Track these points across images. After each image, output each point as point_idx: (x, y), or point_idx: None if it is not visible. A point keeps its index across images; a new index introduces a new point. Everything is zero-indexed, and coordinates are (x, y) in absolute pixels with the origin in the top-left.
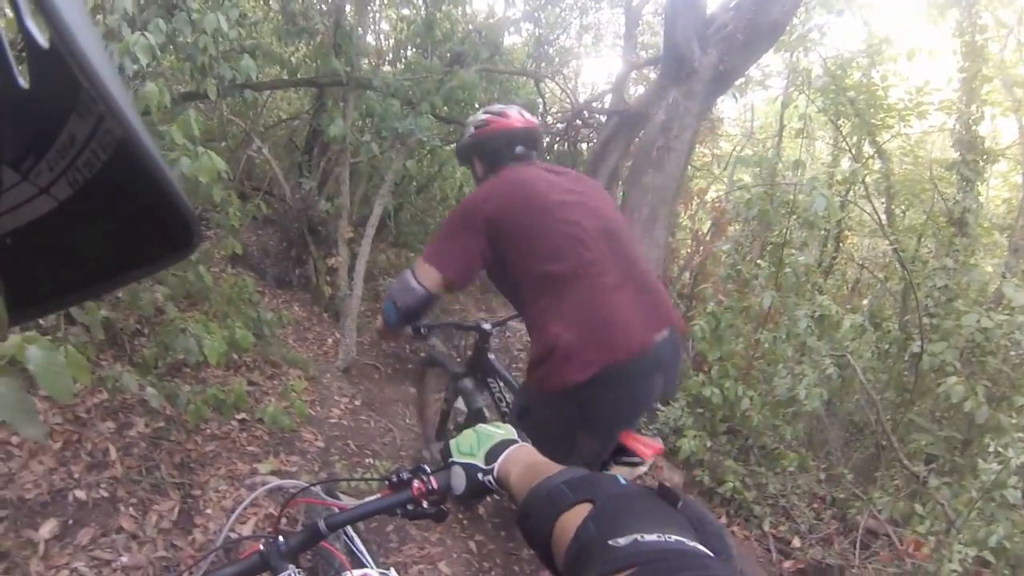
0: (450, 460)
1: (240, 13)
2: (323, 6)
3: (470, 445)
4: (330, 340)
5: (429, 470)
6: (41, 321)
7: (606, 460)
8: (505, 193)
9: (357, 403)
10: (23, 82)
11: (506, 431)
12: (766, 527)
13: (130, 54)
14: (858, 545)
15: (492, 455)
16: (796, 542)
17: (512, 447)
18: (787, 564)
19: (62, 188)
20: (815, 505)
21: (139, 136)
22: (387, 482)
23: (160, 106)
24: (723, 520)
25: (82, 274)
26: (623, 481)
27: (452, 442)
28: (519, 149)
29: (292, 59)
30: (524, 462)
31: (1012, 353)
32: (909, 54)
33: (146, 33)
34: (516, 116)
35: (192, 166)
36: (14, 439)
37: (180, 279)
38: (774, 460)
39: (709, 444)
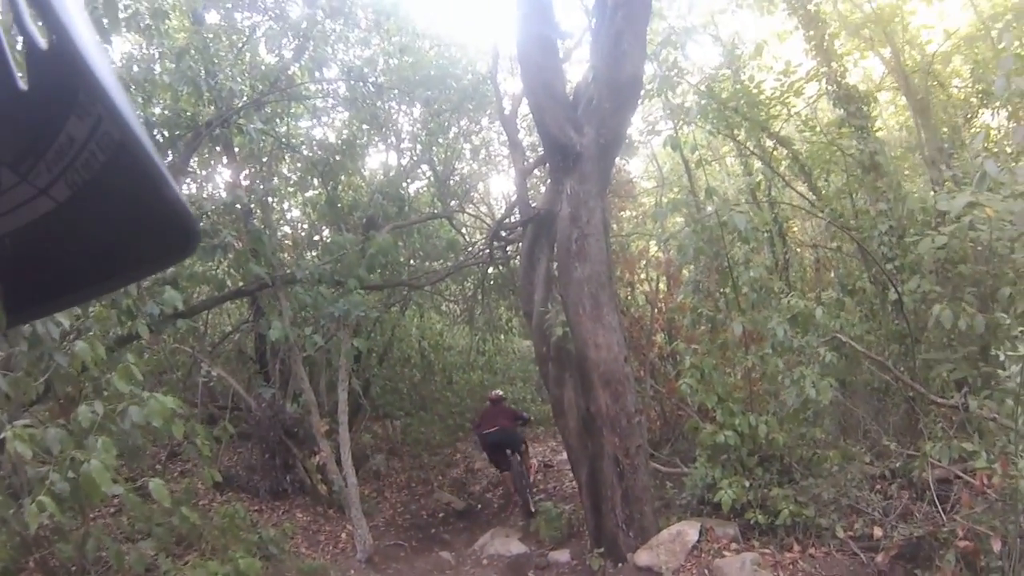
0: None
1: None
2: (230, 215)
3: None
4: (343, 535)
5: None
6: None
7: None
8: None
9: None
10: (22, 84)
11: None
12: (840, 534)
13: (53, 318)
14: (936, 502)
15: None
16: (877, 532)
17: None
18: (879, 558)
19: (61, 189)
20: (878, 487)
21: (137, 137)
22: None
23: (96, 360)
24: (796, 548)
25: (81, 275)
26: None
27: None
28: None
29: (216, 273)
30: None
31: (979, 249)
32: (756, 50)
33: None
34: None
35: (143, 413)
36: None
37: (166, 527)
38: (817, 466)
39: (747, 484)
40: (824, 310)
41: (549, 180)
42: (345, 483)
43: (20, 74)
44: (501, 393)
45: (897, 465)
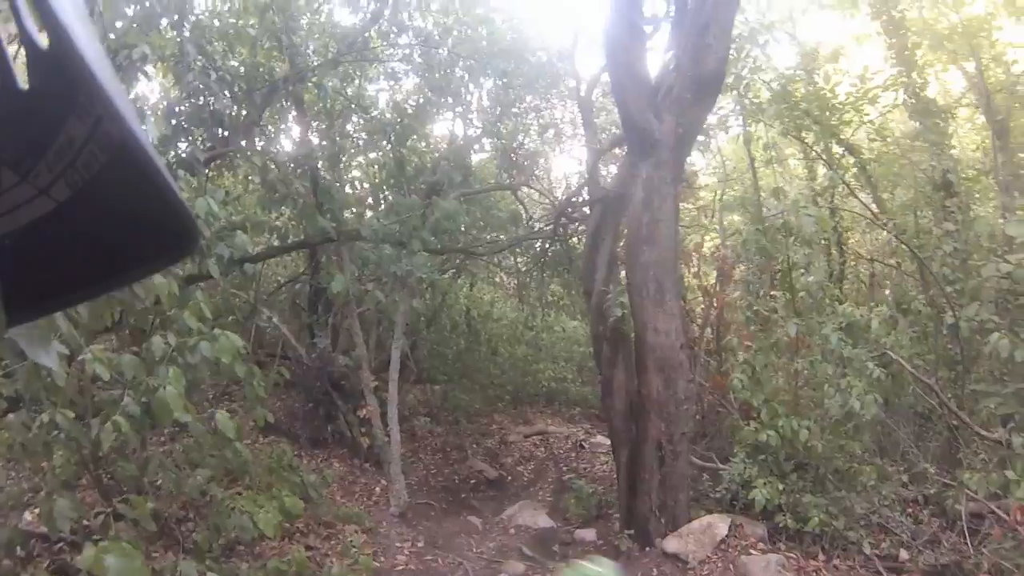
0: None
1: (224, 192)
2: (299, 169)
3: None
4: (377, 489)
5: None
6: (86, 521)
7: None
8: None
9: (420, 545)
10: (22, 84)
11: (607, 569)
12: (867, 550)
13: None
14: (966, 533)
15: None
16: (904, 554)
17: None
18: None
19: (61, 189)
20: (909, 510)
21: (137, 137)
22: None
23: (170, 295)
24: (821, 557)
25: (82, 275)
26: None
27: None
28: None
29: (279, 224)
30: None
31: None
32: (834, 54)
33: None
34: None
35: (212, 348)
36: None
37: (219, 458)
38: (851, 480)
39: (781, 487)
40: (880, 323)
41: (623, 163)
42: (388, 439)
43: (20, 74)
44: None
45: (932, 491)
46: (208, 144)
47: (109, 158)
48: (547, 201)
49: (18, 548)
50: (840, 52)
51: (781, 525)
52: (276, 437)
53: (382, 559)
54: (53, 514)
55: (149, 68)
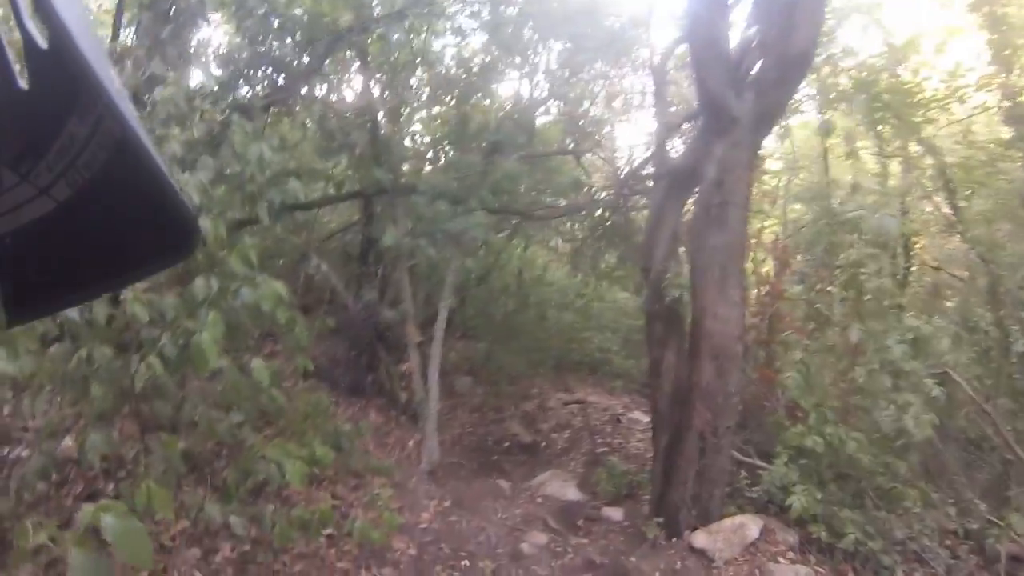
0: None
1: (279, 138)
2: (358, 119)
3: None
4: (411, 443)
5: None
6: (122, 452)
7: None
8: None
9: (446, 504)
10: (23, 84)
11: None
12: None
13: (185, 192)
14: None
15: None
16: None
17: None
18: None
19: (61, 189)
20: (948, 542)
21: (138, 136)
22: None
23: (217, 239)
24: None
25: (83, 274)
26: None
27: None
28: None
29: (334, 173)
30: None
31: None
32: (938, 47)
33: (195, 171)
34: None
35: (254, 294)
36: None
37: (253, 402)
38: (893, 500)
39: (819, 496)
40: (950, 340)
41: (694, 139)
42: (427, 395)
43: (20, 72)
44: None
45: (974, 527)
46: (267, 91)
47: (109, 157)
48: (610, 170)
49: (53, 474)
50: (932, 45)
51: (814, 536)
52: (316, 382)
53: (407, 514)
54: (85, 446)
55: (211, 15)
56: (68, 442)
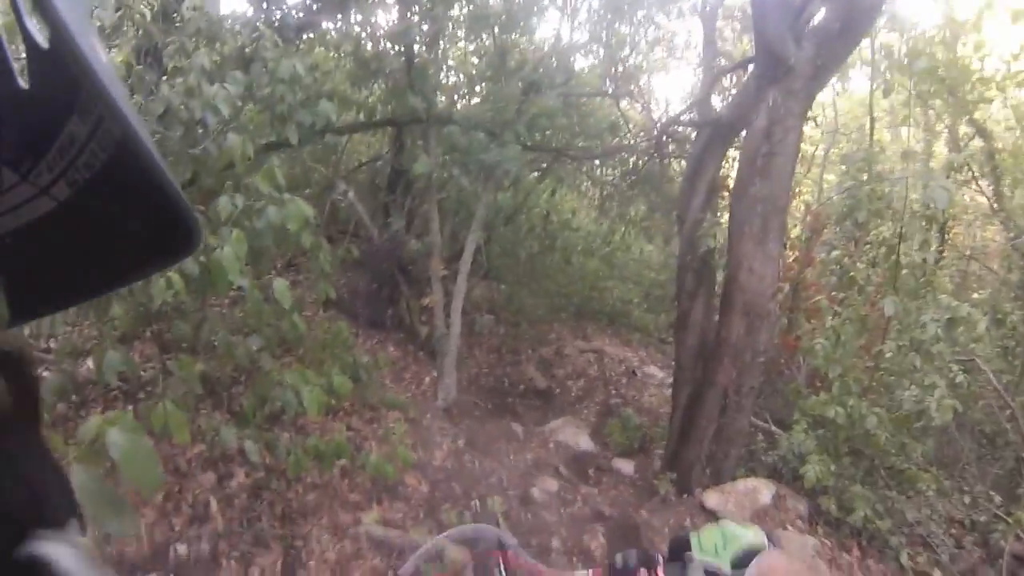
0: (687, 555)
1: (312, 64)
2: (394, 48)
3: (714, 544)
4: (427, 379)
5: (660, 559)
6: (142, 372)
7: None
8: None
9: (460, 443)
10: (23, 83)
11: (755, 533)
12: (904, 560)
13: (211, 107)
14: (1004, 573)
15: (739, 561)
16: (937, 574)
17: (762, 556)
18: None
19: (61, 189)
20: (953, 531)
21: (138, 136)
22: (610, 567)
23: (244, 157)
24: (856, 552)
25: (83, 275)
26: None
27: (693, 536)
28: None
29: (368, 100)
30: None
31: None
32: (1015, 15)
33: (225, 85)
34: None
35: (280, 214)
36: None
37: (274, 328)
38: (905, 482)
39: (833, 468)
40: (985, 325)
41: (743, 88)
42: (448, 331)
43: (21, 72)
44: None
45: (981, 519)
46: (300, 14)
47: (109, 157)
48: (647, 117)
49: (72, 396)
50: (996, 24)
51: (823, 508)
52: (335, 313)
53: (420, 451)
54: (103, 366)
55: None
56: (89, 364)
